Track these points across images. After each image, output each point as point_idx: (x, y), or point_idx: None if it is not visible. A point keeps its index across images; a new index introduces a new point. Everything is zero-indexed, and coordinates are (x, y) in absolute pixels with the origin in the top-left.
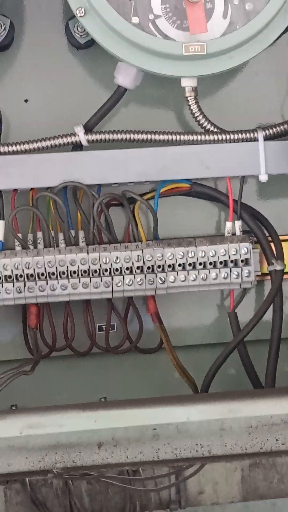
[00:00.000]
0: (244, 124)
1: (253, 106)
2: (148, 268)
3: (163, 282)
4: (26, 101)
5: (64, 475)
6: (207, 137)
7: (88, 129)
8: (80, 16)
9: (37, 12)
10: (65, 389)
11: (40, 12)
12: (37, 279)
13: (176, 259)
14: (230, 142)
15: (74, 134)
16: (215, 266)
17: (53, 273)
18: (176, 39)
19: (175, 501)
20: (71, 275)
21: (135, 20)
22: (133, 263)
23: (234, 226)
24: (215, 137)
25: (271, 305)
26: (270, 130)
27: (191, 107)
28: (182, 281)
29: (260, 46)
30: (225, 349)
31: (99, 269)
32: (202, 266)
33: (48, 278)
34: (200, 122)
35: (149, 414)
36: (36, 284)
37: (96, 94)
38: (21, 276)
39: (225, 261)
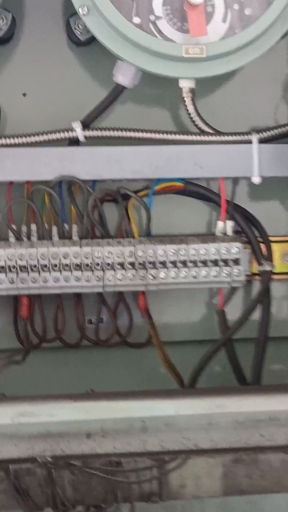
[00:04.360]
0: (237, 126)
1: (247, 109)
2: (140, 264)
3: (154, 279)
4: (24, 95)
5: (48, 464)
6: (202, 138)
7: (85, 125)
8: (83, 15)
9: (38, 8)
10: (53, 380)
11: (41, 7)
12: (29, 270)
13: (167, 256)
14: (224, 143)
15: (71, 130)
16: (205, 265)
17: (46, 266)
18: (175, 40)
19: (156, 493)
20: (63, 268)
21: (136, 20)
22: (125, 259)
23: (225, 226)
24: (210, 138)
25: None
26: (264, 133)
27: (188, 108)
28: (173, 278)
29: (258, 51)
30: (212, 346)
31: (91, 263)
32: (193, 264)
33: (40, 270)
34: (196, 123)
35: (138, 406)
36: (28, 275)
37: (94, 91)
38: (14, 267)
39: (216, 260)
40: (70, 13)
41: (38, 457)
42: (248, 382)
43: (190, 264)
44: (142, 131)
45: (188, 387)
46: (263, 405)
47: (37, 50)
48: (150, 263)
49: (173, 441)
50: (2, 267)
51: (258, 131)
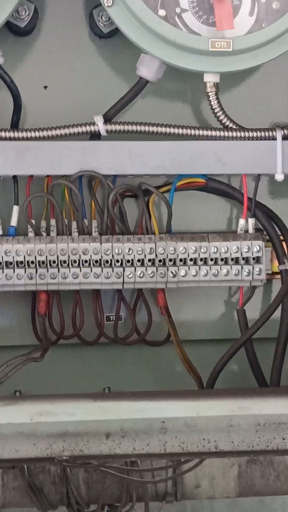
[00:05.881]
0: (257, 122)
1: (269, 105)
2: (160, 261)
3: (174, 276)
4: (45, 87)
5: (63, 463)
6: (226, 133)
7: (107, 119)
8: (108, 6)
9: None
10: (70, 377)
11: None
12: (48, 266)
13: (188, 254)
14: (248, 139)
15: (93, 123)
16: (226, 263)
17: (65, 261)
18: (201, 34)
19: (171, 493)
20: (82, 264)
21: (162, 12)
22: (145, 255)
23: (247, 223)
24: (234, 133)
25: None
26: None
27: (212, 103)
28: (193, 275)
29: (286, 46)
30: (233, 346)
31: (111, 260)
32: (213, 261)
33: (60, 266)
34: (220, 118)
35: (158, 407)
36: (47, 271)
37: (115, 84)
38: (33, 262)
39: (237, 258)
40: (93, 4)
41: (57, 457)
42: (267, 383)
43: (210, 262)
44: (165, 126)
45: (207, 387)
46: (285, 407)
47: (58, 42)
48: (170, 260)
49: (193, 442)
50: (21, 263)
51: (282, 127)
